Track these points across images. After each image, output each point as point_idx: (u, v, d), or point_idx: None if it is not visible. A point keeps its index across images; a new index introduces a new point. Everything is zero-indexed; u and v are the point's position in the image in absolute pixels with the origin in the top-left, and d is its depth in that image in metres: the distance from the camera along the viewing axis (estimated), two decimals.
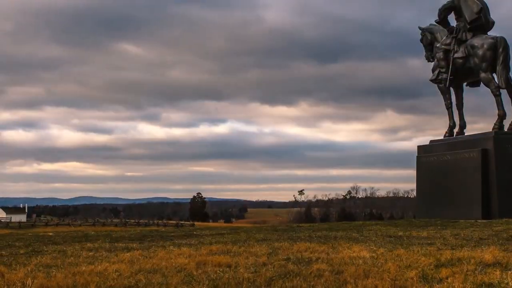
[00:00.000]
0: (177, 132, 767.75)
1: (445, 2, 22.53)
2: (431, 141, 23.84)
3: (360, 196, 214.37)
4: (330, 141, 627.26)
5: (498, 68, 20.78)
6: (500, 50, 20.81)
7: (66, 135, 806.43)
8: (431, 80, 23.36)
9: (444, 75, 22.58)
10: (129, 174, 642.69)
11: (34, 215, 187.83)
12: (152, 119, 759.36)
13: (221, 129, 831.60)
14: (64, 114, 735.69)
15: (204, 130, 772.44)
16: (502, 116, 20.95)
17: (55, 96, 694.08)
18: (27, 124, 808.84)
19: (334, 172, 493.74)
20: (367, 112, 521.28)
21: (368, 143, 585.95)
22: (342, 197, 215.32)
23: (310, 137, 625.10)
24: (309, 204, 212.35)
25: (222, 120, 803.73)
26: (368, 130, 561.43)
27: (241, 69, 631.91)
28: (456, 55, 22.06)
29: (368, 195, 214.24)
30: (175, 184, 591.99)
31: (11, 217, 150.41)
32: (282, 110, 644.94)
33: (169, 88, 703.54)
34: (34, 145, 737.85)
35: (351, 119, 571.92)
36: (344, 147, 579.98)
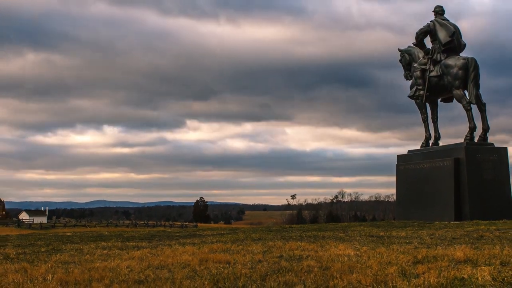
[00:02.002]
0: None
1: (422, 27, 22.66)
2: (409, 151, 23.87)
3: (345, 200, 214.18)
4: None
5: (469, 85, 20.87)
6: (471, 69, 20.91)
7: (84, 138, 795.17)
8: (409, 96, 23.44)
9: (421, 92, 22.68)
10: (138, 180, 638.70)
11: (54, 217, 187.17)
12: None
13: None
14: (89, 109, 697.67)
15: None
16: (472, 128, 21.03)
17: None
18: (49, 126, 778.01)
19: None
20: None
21: None
22: (329, 201, 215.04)
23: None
24: (300, 207, 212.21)
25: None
26: None
27: None
28: (431, 74, 22.16)
29: (353, 199, 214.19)
30: (180, 189, 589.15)
31: (33, 219, 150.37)
32: None
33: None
34: (55, 151, 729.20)
35: None
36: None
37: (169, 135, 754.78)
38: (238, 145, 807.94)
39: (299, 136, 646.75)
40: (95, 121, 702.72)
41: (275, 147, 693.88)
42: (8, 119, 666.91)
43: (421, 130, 23.57)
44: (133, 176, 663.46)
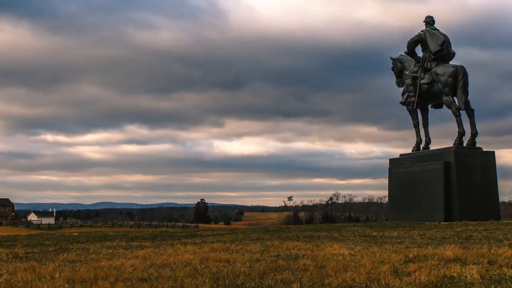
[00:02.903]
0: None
1: (413, 36, 22.71)
2: (401, 155, 23.89)
3: (340, 202, 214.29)
4: None
5: (458, 92, 20.92)
6: (460, 77, 20.96)
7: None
8: (401, 103, 23.48)
9: (412, 99, 22.72)
10: (142, 183, 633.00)
11: (61, 218, 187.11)
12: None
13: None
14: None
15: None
16: (461, 133, 21.06)
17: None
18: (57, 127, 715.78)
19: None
20: None
21: None
22: (325, 202, 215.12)
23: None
24: (296, 209, 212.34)
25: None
26: None
27: None
28: (422, 81, 22.21)
29: (347, 201, 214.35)
30: (182, 192, 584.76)
31: (41, 220, 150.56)
32: None
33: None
34: (61, 156, 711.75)
35: None
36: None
37: (183, 134, 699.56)
38: (253, 145, 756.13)
39: (323, 134, 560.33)
40: (105, 117, 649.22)
41: (291, 147, 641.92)
42: (17, 115, 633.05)
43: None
44: (137, 178, 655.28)
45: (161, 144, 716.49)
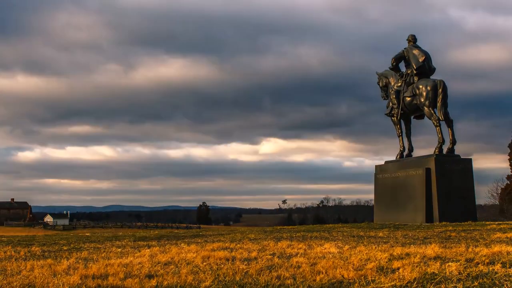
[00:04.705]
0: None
1: (397, 53, 22.81)
2: (386, 162, 23.89)
3: (330, 205, 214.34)
4: None
5: (438, 104, 20.95)
6: (440, 90, 21.00)
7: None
8: (386, 114, 23.51)
9: (396, 110, 22.77)
10: (148, 188, 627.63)
11: (75, 220, 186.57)
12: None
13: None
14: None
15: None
16: (441, 142, 21.08)
17: None
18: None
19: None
20: None
21: None
22: (316, 205, 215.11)
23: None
24: (290, 211, 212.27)
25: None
26: None
27: None
28: (405, 95, 22.25)
29: (337, 203, 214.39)
30: (185, 195, 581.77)
31: (56, 221, 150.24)
32: None
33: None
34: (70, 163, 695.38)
35: None
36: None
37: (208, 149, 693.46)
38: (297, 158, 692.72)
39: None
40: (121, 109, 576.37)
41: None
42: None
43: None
44: (145, 183, 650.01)
45: (166, 144, 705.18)
